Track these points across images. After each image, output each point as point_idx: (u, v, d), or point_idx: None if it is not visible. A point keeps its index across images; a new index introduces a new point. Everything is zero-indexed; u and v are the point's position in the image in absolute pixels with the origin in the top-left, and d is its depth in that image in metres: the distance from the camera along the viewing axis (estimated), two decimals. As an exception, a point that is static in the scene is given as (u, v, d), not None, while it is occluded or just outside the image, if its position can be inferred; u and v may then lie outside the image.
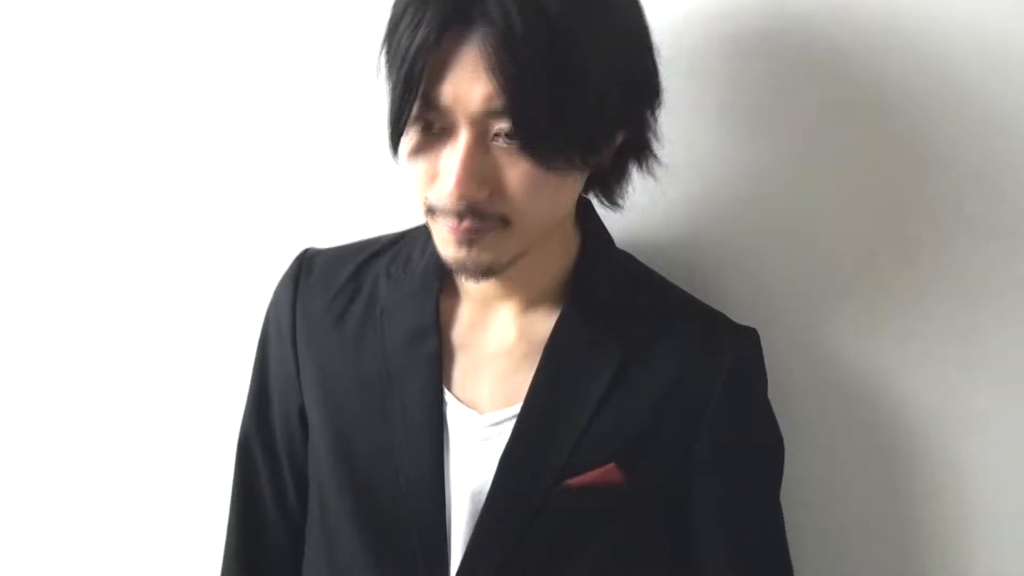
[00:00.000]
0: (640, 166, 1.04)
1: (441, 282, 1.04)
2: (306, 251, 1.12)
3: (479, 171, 0.89)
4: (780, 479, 1.06)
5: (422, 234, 1.08)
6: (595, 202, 1.06)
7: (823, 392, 1.15)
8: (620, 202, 1.05)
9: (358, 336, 1.05)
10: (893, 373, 1.13)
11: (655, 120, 1.01)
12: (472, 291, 1.04)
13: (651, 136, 1.02)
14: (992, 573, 1.14)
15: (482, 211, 0.90)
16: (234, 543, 1.13)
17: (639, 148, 1.02)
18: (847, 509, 1.16)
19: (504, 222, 0.91)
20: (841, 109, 1.11)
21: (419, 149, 0.93)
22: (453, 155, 0.90)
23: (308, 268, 1.10)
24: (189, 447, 1.35)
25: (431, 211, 0.93)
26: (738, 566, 1.02)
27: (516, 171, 0.90)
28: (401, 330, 1.03)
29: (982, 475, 1.13)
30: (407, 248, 1.08)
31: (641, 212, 1.10)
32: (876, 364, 1.14)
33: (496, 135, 0.90)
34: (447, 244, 0.93)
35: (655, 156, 1.03)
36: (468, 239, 0.91)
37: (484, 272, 0.94)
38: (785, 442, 1.06)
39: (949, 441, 1.13)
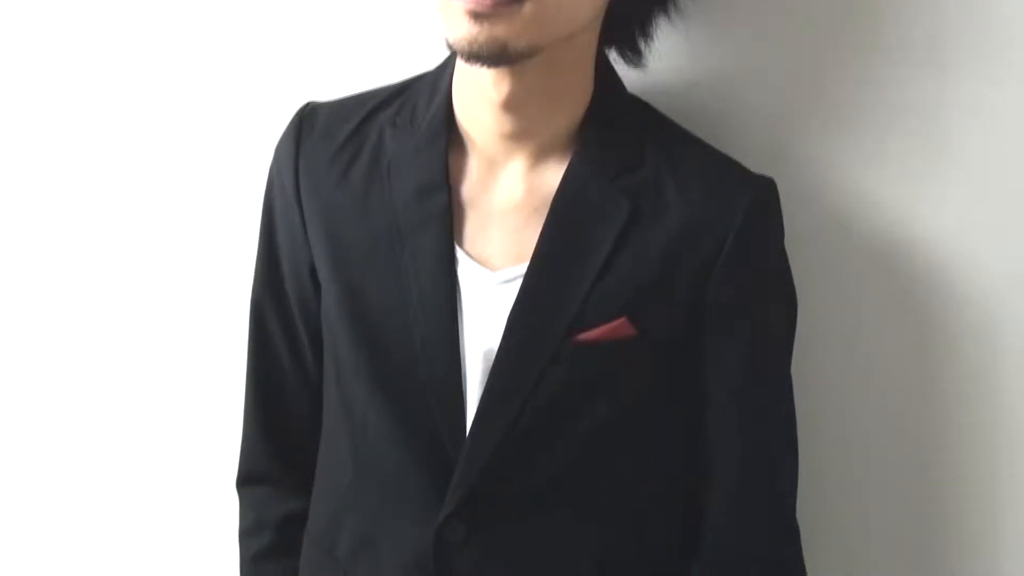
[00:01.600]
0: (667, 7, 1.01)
1: (448, 136, 1.02)
2: (306, 105, 1.09)
3: None
4: (792, 338, 1.05)
5: (428, 84, 1.05)
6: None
7: (840, 243, 1.14)
8: (643, 52, 1.02)
9: (365, 191, 1.02)
10: (912, 220, 1.12)
11: None
12: (480, 145, 1.01)
13: None
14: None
15: None
16: (253, 408, 1.14)
17: None
18: (867, 359, 1.16)
19: None
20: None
21: None
22: None
23: (309, 123, 1.07)
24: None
25: None
26: (744, 422, 1.02)
27: None
28: (409, 185, 1.01)
29: (1012, 315, 1.12)
30: (412, 98, 1.05)
31: (656, 58, 1.07)
32: (894, 213, 1.12)
33: None
34: (459, 20, 0.89)
35: None
36: (483, 10, 0.87)
37: (498, 54, 0.90)
38: (801, 295, 1.04)
39: (974, 286, 1.12)
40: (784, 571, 1.05)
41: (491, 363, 0.97)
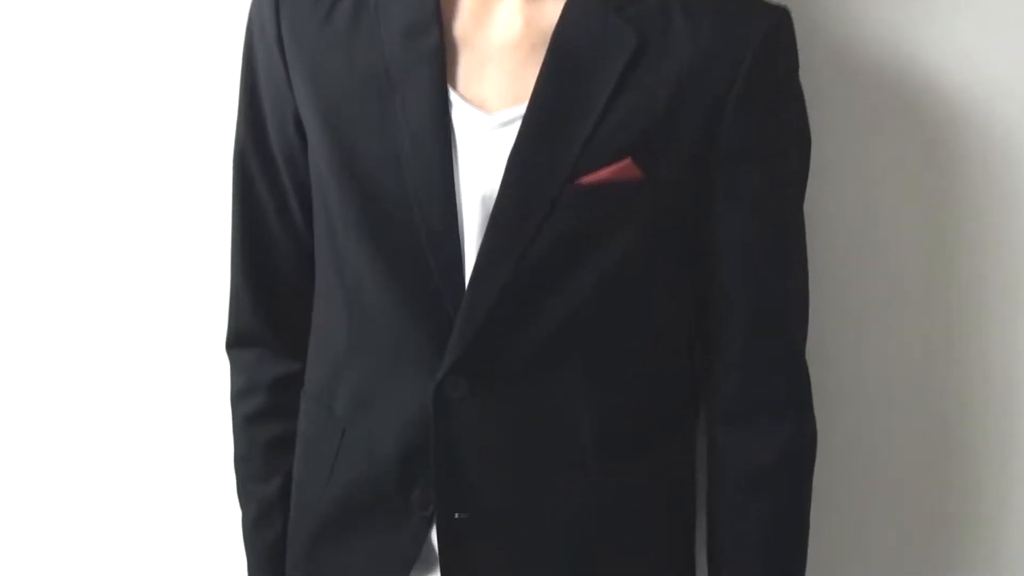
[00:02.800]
0: None
1: None
2: (284, -55, 1.03)
3: None
4: (806, 177, 1.02)
5: (414, -86, 0.99)
6: None
7: (854, 78, 1.10)
8: None
9: (351, 33, 0.97)
10: (925, 51, 1.09)
11: None
12: (472, -21, 0.96)
13: None
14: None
15: None
16: (240, 263, 1.09)
17: None
18: (879, 195, 1.13)
19: None
20: None
21: None
22: None
23: None
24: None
25: None
26: (756, 266, 0.98)
27: None
28: (398, 24, 0.96)
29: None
30: (399, -68, 0.99)
31: None
32: (908, 46, 1.09)
33: None
34: None
35: None
36: None
37: None
38: (814, 131, 1.01)
39: (987, 115, 1.09)
40: (793, 416, 1.03)
41: (489, 211, 0.93)
